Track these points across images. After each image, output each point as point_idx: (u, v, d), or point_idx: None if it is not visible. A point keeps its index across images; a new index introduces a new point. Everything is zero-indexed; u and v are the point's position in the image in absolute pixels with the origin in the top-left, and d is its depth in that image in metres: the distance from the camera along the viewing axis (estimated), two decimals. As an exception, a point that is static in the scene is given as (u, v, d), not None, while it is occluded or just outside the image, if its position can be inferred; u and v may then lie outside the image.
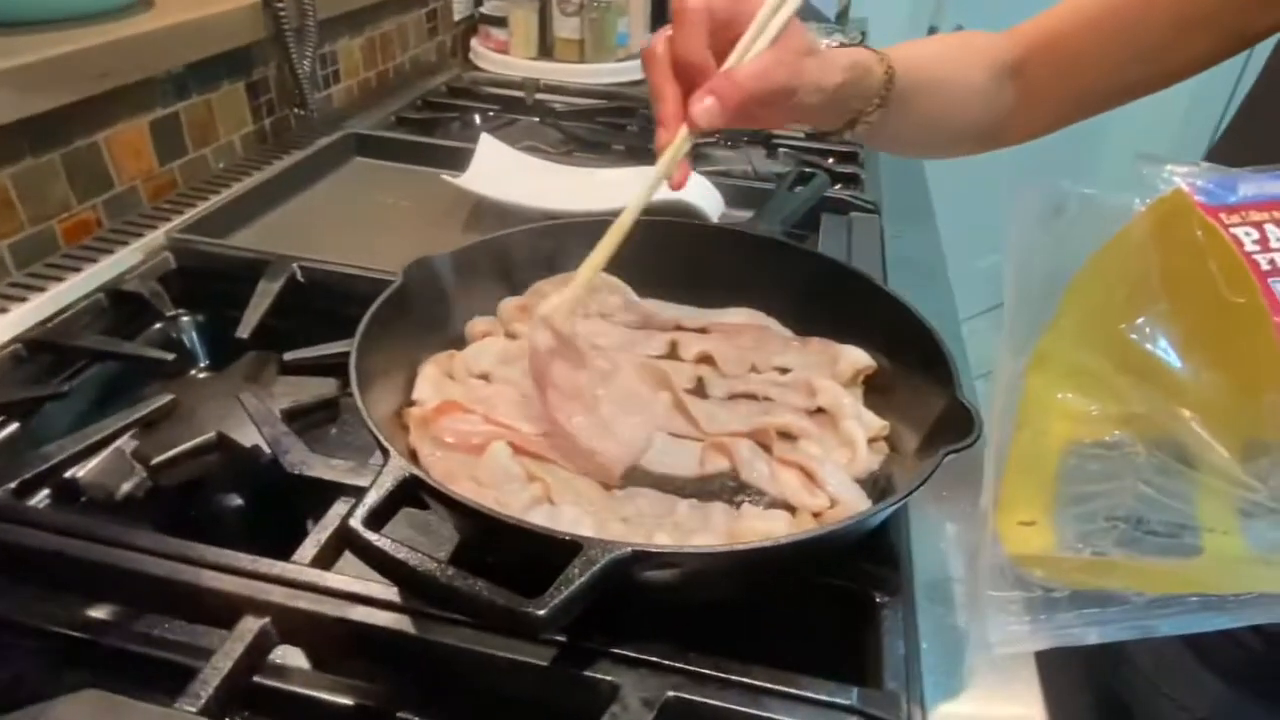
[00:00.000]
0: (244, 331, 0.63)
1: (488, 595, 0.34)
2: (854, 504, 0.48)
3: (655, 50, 0.48)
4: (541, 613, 0.33)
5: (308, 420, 0.61)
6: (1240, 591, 0.30)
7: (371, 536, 0.36)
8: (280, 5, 0.91)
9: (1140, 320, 0.30)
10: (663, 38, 0.48)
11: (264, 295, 0.67)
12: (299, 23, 0.96)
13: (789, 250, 0.65)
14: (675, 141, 0.47)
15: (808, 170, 0.85)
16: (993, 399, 0.33)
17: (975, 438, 0.43)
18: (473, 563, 0.48)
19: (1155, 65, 0.61)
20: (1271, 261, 0.28)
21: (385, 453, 0.41)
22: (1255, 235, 0.28)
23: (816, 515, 0.47)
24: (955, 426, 0.45)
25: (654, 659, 0.40)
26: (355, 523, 0.37)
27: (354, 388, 0.45)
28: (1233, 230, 0.28)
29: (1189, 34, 0.58)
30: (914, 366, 0.54)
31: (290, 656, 0.43)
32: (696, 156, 1.07)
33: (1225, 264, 0.28)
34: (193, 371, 0.71)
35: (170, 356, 0.62)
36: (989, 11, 1.81)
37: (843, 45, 0.63)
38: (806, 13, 1.71)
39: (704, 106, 0.46)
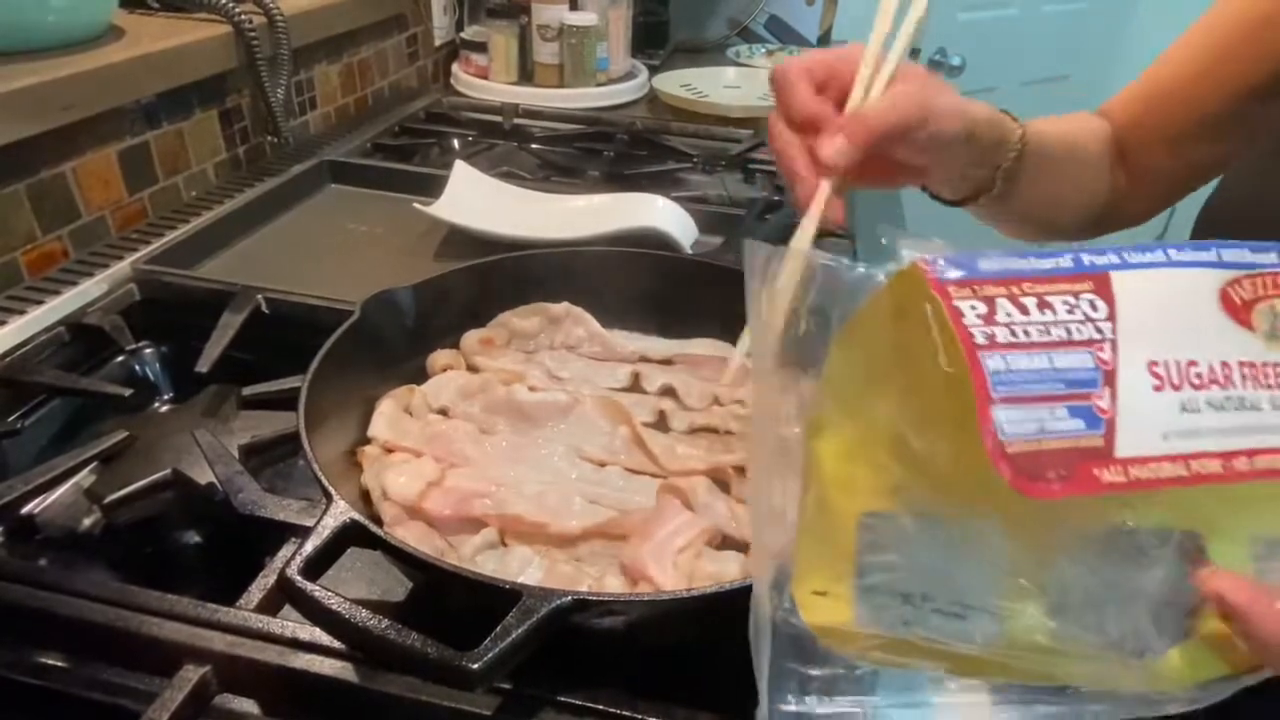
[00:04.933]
0: (204, 366, 0.63)
1: (421, 648, 0.33)
2: (812, 542, 0.47)
3: (771, 125, 0.47)
4: (475, 666, 0.32)
5: (269, 455, 0.60)
6: (1040, 683, 0.30)
7: (306, 586, 0.35)
8: (253, 34, 0.91)
9: (885, 396, 0.29)
10: (773, 113, 0.47)
11: (226, 328, 0.66)
12: (273, 51, 0.96)
13: (753, 281, 0.65)
14: (817, 196, 0.45)
15: (778, 199, 0.84)
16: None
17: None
18: (431, 605, 0.47)
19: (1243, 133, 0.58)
20: (990, 335, 0.28)
21: (328, 496, 0.40)
22: (982, 309, 0.28)
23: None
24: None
25: (600, 706, 0.39)
26: (291, 571, 0.36)
27: (301, 429, 0.44)
28: (956, 303, 0.28)
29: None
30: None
31: (240, 702, 0.43)
32: (672, 182, 1.07)
33: (945, 337, 0.28)
34: (156, 404, 0.71)
35: (127, 392, 0.61)
36: (970, 38, 1.83)
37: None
38: (787, 37, 1.72)
39: (835, 147, 0.43)
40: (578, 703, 0.39)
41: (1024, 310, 0.28)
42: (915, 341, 0.28)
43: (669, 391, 0.60)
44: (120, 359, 0.69)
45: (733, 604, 0.39)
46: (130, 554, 0.57)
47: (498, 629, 0.34)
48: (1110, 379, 0.28)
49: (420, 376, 0.60)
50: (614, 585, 0.43)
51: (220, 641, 0.41)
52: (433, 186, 0.92)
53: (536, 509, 0.47)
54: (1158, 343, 0.28)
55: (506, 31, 1.33)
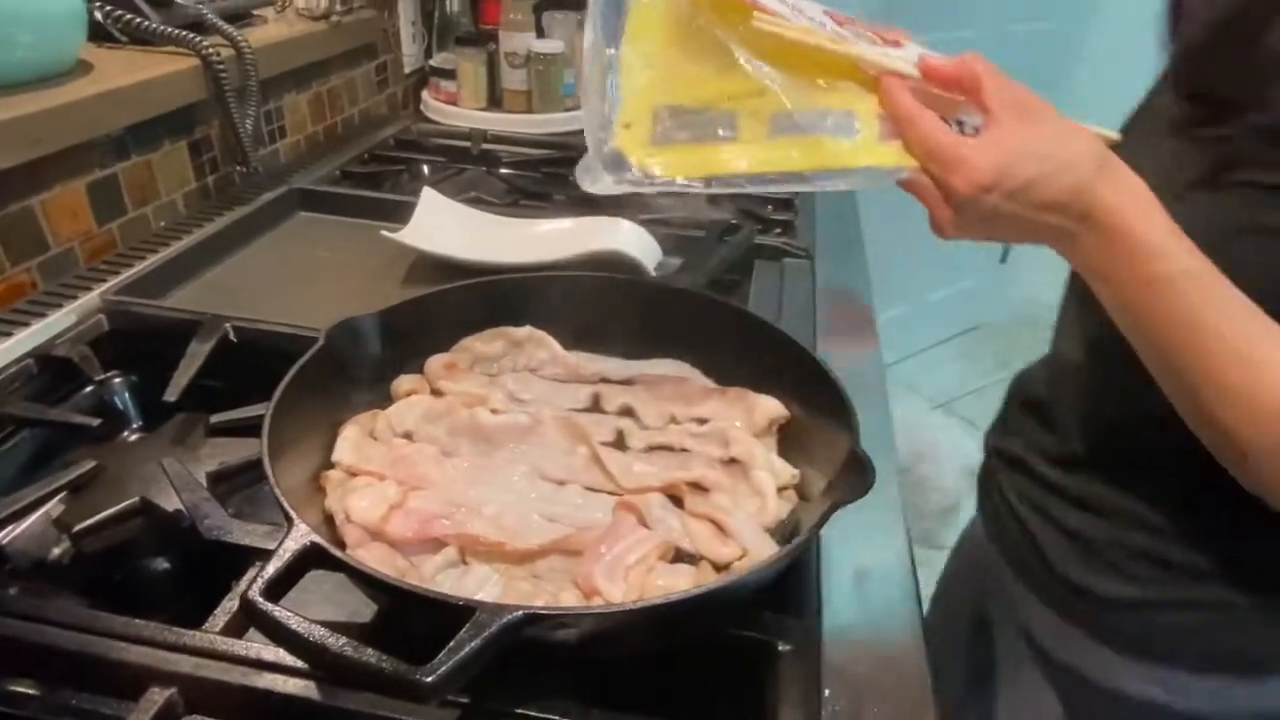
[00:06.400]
0: (172, 395, 0.64)
1: (376, 663, 0.35)
2: (762, 554, 0.49)
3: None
4: (429, 679, 0.34)
5: (238, 481, 0.61)
6: (765, 170, 0.48)
7: (267, 606, 0.37)
8: (220, 67, 0.93)
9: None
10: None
11: (194, 357, 0.67)
12: (241, 83, 0.98)
13: (707, 302, 0.67)
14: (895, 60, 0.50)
15: (734, 222, 0.87)
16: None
17: (866, 489, 0.45)
18: (396, 625, 0.49)
19: None
20: None
21: (289, 520, 0.42)
22: None
23: (725, 566, 0.49)
24: (852, 478, 0.47)
25: (557, 718, 0.41)
26: (253, 593, 0.37)
27: (264, 455, 0.46)
28: None
29: None
30: (823, 416, 0.56)
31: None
32: (638, 205, 1.09)
33: None
34: (125, 434, 0.71)
35: (95, 422, 0.62)
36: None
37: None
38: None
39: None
40: (535, 715, 0.40)
41: None
42: None
43: (628, 411, 0.62)
44: (89, 389, 0.70)
45: (680, 615, 0.42)
46: (100, 582, 0.58)
47: (451, 643, 0.35)
48: None
49: (386, 402, 0.62)
50: (569, 600, 0.45)
51: (186, 664, 0.42)
52: (401, 213, 0.94)
53: (495, 528, 0.48)
54: None
55: (475, 59, 1.35)
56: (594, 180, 0.48)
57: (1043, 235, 0.47)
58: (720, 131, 0.48)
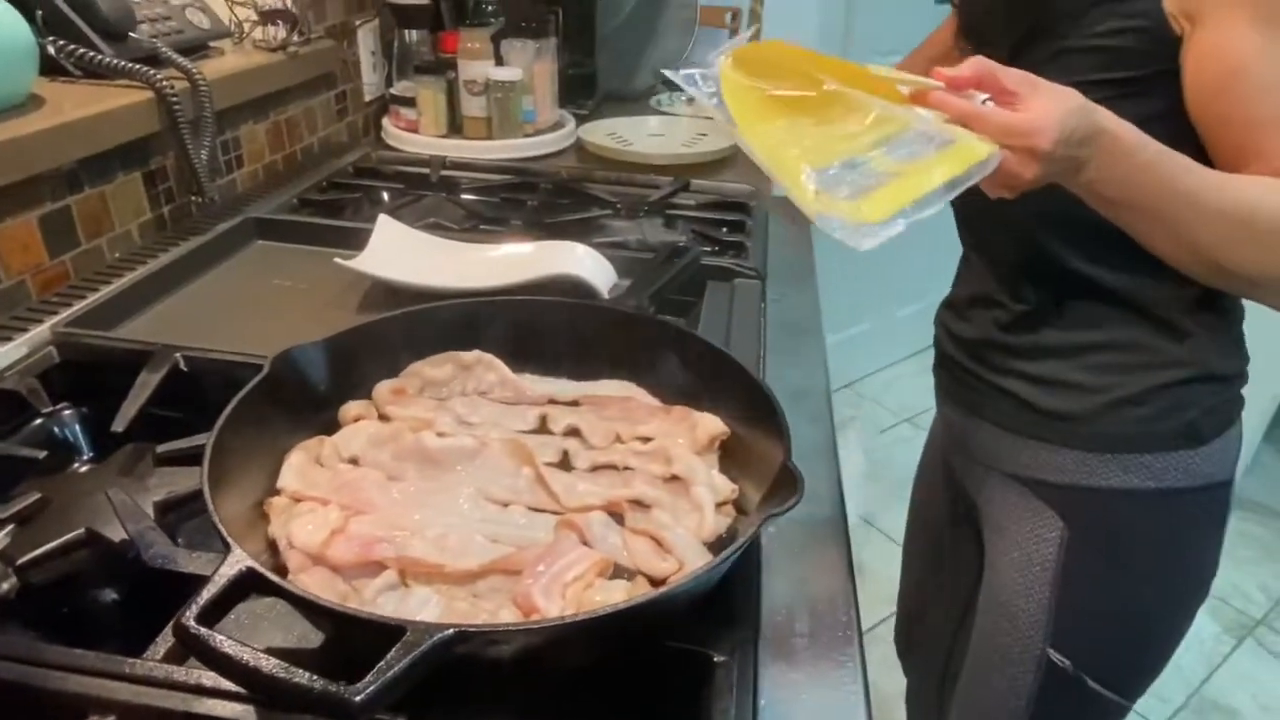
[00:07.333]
0: (120, 425, 0.64)
1: (307, 683, 0.35)
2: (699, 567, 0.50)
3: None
4: (357, 699, 0.35)
5: (186, 510, 0.61)
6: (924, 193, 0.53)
7: (199, 630, 0.38)
8: (175, 99, 0.94)
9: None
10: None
11: (143, 387, 0.68)
12: (196, 114, 0.99)
13: (651, 323, 0.69)
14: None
15: (682, 244, 0.89)
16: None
17: (794, 503, 0.46)
18: (342, 650, 0.49)
19: None
20: None
21: (226, 546, 0.42)
22: None
23: (663, 580, 0.50)
24: (783, 490, 0.48)
25: (492, 733, 0.41)
26: (186, 618, 0.38)
27: (204, 484, 0.47)
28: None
29: None
30: (760, 431, 0.57)
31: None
32: (595, 228, 1.11)
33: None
34: (76, 465, 0.71)
35: (42, 454, 0.63)
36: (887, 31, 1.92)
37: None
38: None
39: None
40: (471, 731, 0.41)
41: None
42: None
43: (574, 432, 0.63)
44: (39, 421, 0.70)
45: (611, 628, 0.43)
46: (48, 614, 0.58)
47: (381, 663, 0.36)
48: None
49: (334, 428, 0.62)
50: (508, 618, 0.46)
51: (125, 692, 0.43)
52: (358, 240, 0.95)
53: (436, 550, 0.49)
54: None
55: (434, 86, 1.37)
56: (858, 242, 0.52)
57: (1073, 166, 0.59)
58: (875, 173, 0.54)
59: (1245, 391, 0.79)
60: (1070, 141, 0.56)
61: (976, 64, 0.57)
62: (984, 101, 0.58)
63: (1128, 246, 0.66)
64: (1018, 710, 0.85)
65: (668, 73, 0.63)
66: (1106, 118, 0.59)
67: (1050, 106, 0.56)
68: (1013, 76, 0.58)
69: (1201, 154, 0.64)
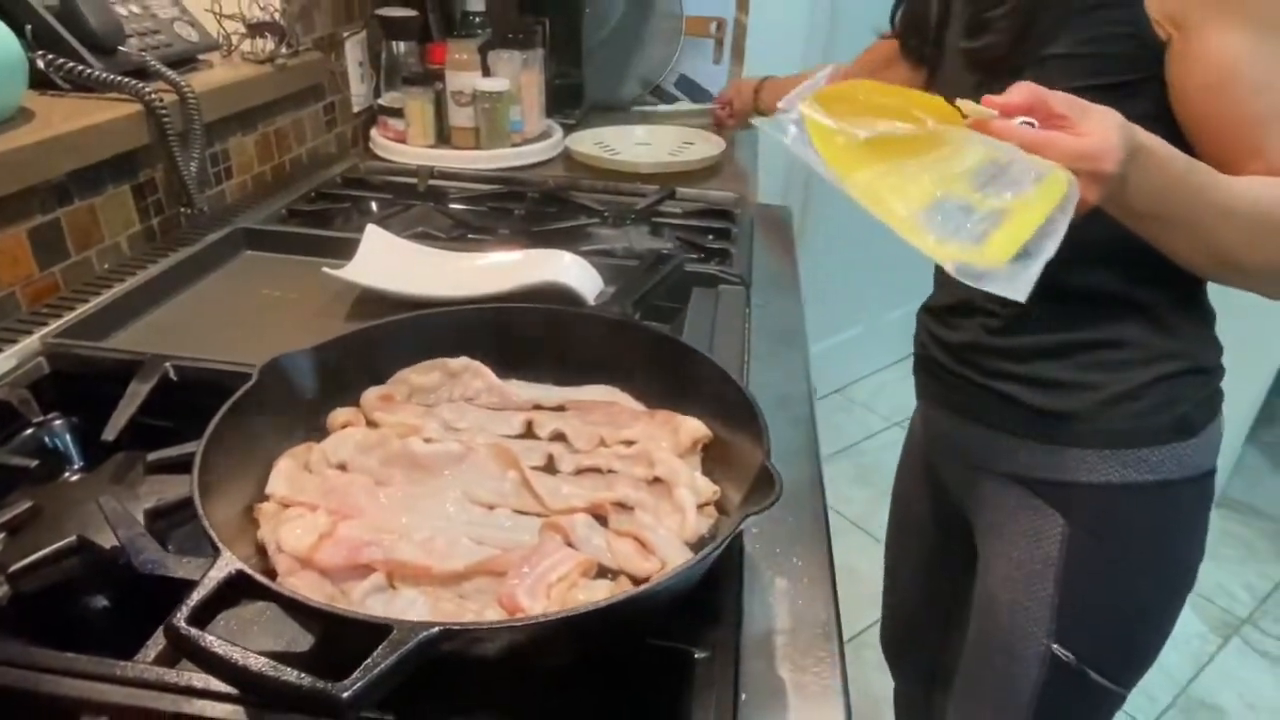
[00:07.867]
0: (110, 434, 0.65)
1: (295, 681, 0.36)
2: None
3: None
4: (344, 696, 0.36)
5: (177, 517, 0.62)
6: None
7: (189, 631, 0.38)
8: (164, 112, 0.95)
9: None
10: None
11: (133, 397, 0.68)
12: (185, 126, 1.00)
13: (635, 329, 0.70)
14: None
15: (666, 251, 0.90)
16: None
17: (772, 502, 0.47)
18: (333, 651, 0.50)
19: None
20: None
21: (216, 550, 0.43)
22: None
23: (645, 580, 0.51)
24: (762, 489, 0.50)
25: (478, 731, 0.42)
26: (178, 620, 0.39)
27: (194, 490, 0.47)
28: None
29: None
30: (741, 433, 0.58)
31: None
32: (582, 237, 1.12)
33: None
34: (67, 474, 0.72)
35: (33, 464, 0.63)
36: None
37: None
38: (696, 94, 1.81)
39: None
40: (457, 728, 0.42)
41: None
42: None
43: (559, 436, 0.64)
44: (30, 431, 0.71)
45: (593, 625, 0.44)
46: (41, 621, 0.59)
47: (367, 660, 0.37)
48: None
49: (322, 435, 0.63)
50: (492, 617, 0.46)
51: (117, 694, 0.43)
52: (347, 249, 0.96)
53: (423, 553, 0.50)
54: None
55: (422, 97, 1.38)
56: (1016, 290, 0.54)
57: (1121, 186, 0.59)
58: (987, 213, 0.55)
59: (1229, 392, 0.81)
60: (1128, 157, 0.57)
61: (1027, 90, 0.58)
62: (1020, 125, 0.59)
63: (1117, 247, 0.67)
64: (1020, 706, 0.86)
65: (757, 122, 0.64)
66: (1142, 134, 0.59)
67: (1107, 128, 0.57)
68: (1060, 100, 0.58)
69: (1189, 154, 0.65)
